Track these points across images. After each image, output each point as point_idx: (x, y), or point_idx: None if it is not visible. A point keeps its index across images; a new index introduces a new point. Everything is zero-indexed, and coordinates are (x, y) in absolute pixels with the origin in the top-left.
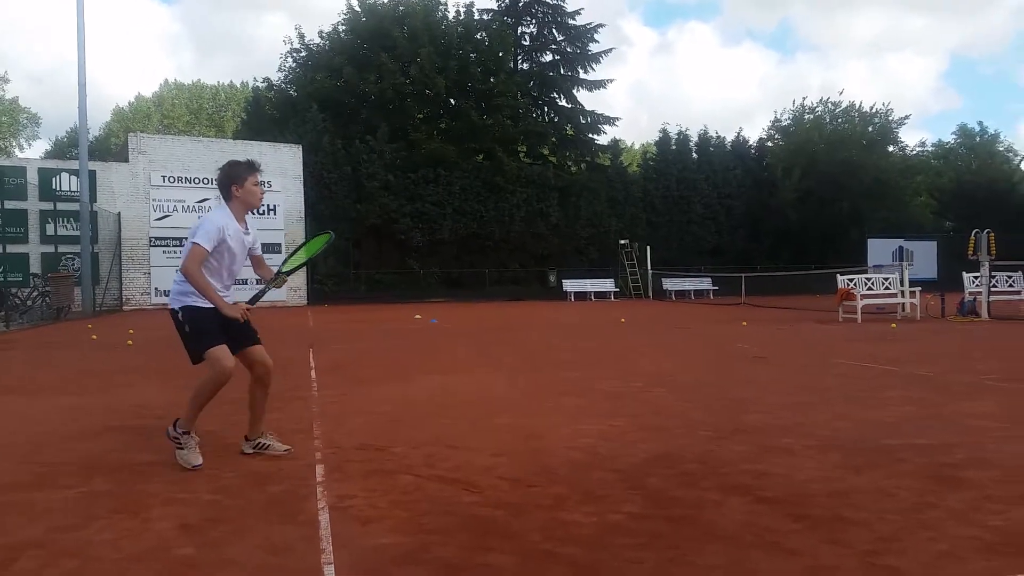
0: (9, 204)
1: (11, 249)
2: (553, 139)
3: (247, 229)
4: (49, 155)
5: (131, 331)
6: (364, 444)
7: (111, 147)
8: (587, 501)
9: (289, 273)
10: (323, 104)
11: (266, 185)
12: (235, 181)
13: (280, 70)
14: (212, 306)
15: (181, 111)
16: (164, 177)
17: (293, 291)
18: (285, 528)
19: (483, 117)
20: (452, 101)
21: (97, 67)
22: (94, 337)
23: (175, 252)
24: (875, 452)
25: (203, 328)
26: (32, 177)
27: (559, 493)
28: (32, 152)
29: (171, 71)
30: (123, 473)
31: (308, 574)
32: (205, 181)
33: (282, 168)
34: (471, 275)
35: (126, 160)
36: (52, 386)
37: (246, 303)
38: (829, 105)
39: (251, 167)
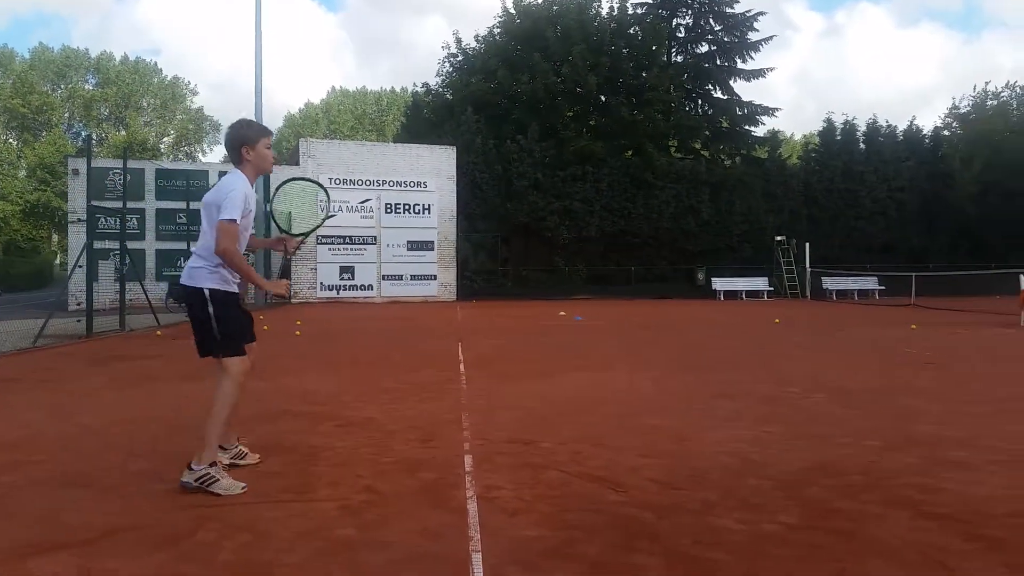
0: (194, 205)
1: (193, 247)
2: (707, 132)
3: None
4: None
5: (299, 322)
6: (512, 438)
7: (283, 151)
8: (739, 508)
9: (306, 236)
10: (477, 106)
11: (423, 185)
12: (247, 142)
13: (438, 75)
14: (236, 292)
15: (346, 116)
16: (331, 179)
17: (444, 287)
18: (436, 514)
19: (633, 113)
20: (603, 98)
21: (270, 75)
22: (266, 328)
23: (339, 249)
24: None
25: (234, 328)
26: (213, 180)
27: (709, 498)
28: (213, 157)
29: (337, 78)
30: (293, 455)
31: (457, 560)
32: (368, 183)
33: (437, 169)
34: (617, 272)
35: (297, 163)
36: None
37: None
38: (1017, 90)
39: (265, 130)
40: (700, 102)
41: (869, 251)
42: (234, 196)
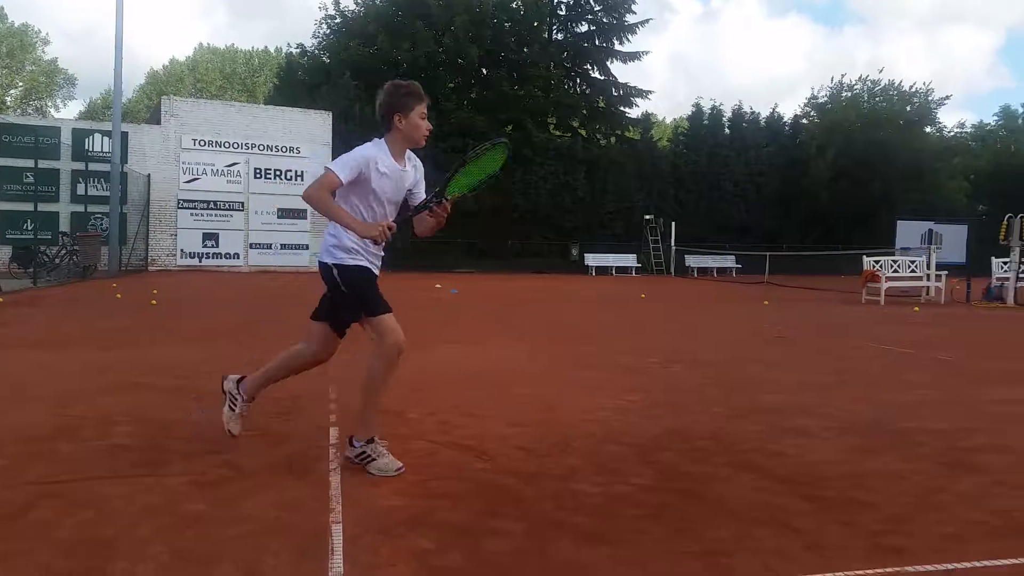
0: (43, 163)
1: (42, 208)
2: (584, 111)
3: (407, 167)
4: (83, 116)
5: (155, 291)
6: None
7: (145, 110)
8: (599, 472)
9: (454, 195)
10: (356, 72)
11: (295, 151)
12: (399, 109)
13: (314, 36)
14: (363, 264)
15: (214, 75)
16: (195, 140)
17: (316, 257)
18: (296, 487)
19: (515, 88)
20: (484, 71)
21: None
22: (118, 296)
23: (202, 215)
24: (892, 435)
25: (369, 293)
26: (66, 137)
27: (572, 464)
28: (67, 112)
29: (205, 35)
30: (146, 428)
31: (315, 532)
32: (235, 145)
33: (312, 134)
34: (495, 247)
35: (158, 123)
36: (79, 341)
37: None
38: (868, 83)
39: (421, 96)
40: (579, 81)
41: (728, 231)
42: (350, 155)
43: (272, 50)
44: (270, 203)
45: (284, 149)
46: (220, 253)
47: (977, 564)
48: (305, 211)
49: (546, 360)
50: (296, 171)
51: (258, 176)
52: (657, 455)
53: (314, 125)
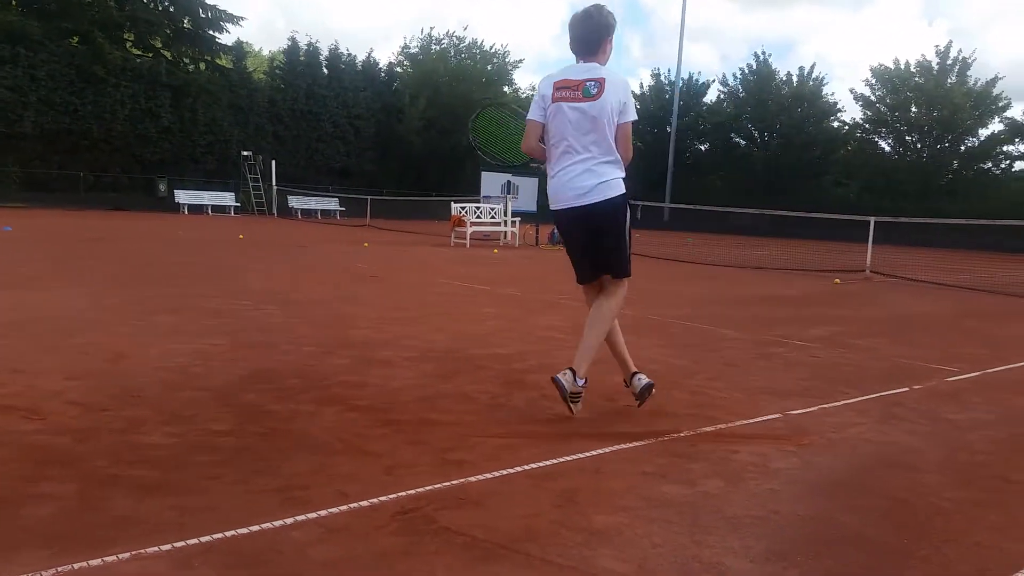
0: None
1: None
2: (168, 31)
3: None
4: None
5: None
6: None
7: None
8: (170, 422)
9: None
10: None
11: None
12: (610, 33)
13: None
14: None
15: None
16: None
17: None
18: None
19: None
20: None
21: None
22: None
23: None
24: (463, 361)
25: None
26: None
27: (138, 416)
28: None
29: None
30: None
31: None
32: None
33: None
34: (61, 178)
35: None
36: None
37: None
38: (455, 39)
39: None
40: None
41: (330, 173)
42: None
43: None
44: None
45: None
46: None
47: (526, 467)
48: None
49: (116, 305)
50: None
51: None
52: (240, 397)
53: None
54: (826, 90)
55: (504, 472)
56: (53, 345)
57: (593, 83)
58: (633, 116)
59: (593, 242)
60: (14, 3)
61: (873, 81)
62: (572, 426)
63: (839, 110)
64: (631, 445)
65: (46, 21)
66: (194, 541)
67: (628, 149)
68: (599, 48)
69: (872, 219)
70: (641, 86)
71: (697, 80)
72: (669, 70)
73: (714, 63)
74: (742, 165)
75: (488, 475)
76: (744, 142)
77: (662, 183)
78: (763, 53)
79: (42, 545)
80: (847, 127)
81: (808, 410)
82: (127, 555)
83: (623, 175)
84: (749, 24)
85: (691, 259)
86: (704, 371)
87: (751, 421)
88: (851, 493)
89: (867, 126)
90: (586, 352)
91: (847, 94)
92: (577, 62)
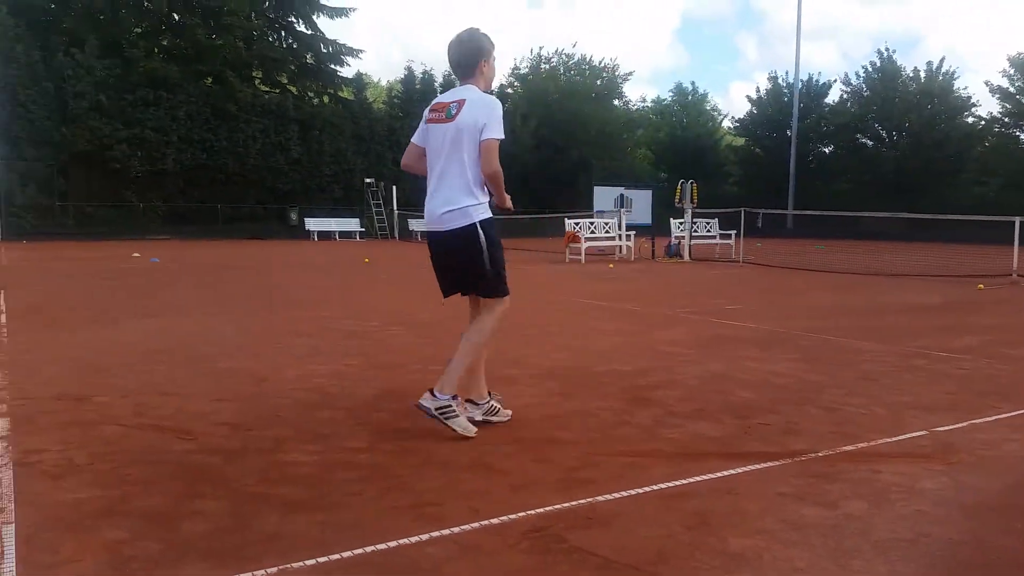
0: None
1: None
2: (292, 67)
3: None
4: None
5: None
6: (61, 394)
7: None
8: (311, 440)
9: None
10: (15, 8)
11: None
12: (485, 56)
13: None
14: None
15: None
16: None
17: None
18: None
19: (211, 37)
20: (175, 16)
21: None
22: None
23: None
24: (585, 378)
25: (503, 263)
26: None
27: (281, 435)
28: None
29: None
30: None
31: None
32: None
33: None
34: (201, 211)
35: None
36: None
37: None
38: (563, 56)
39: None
40: (284, 34)
41: None
42: (500, 114)
43: None
44: None
45: None
46: None
47: (655, 488)
48: None
49: (257, 330)
50: None
51: None
52: (371, 416)
53: None
54: (958, 84)
55: (632, 492)
56: (200, 368)
57: (455, 104)
58: (496, 134)
59: (452, 265)
60: (156, 51)
61: (1012, 71)
62: (701, 445)
63: (973, 104)
64: (765, 465)
65: (184, 65)
66: (336, 556)
67: (490, 163)
68: (474, 71)
69: (1017, 219)
70: (757, 90)
71: (817, 81)
72: (787, 72)
73: (835, 62)
74: (870, 167)
75: (616, 495)
76: (871, 143)
77: (784, 189)
78: (887, 49)
79: (200, 559)
80: (983, 122)
81: (957, 426)
82: (275, 570)
83: (480, 200)
84: (870, 19)
85: (819, 267)
86: (840, 386)
87: (894, 439)
88: (1006, 515)
89: (1006, 120)
90: (453, 370)
91: (982, 87)
92: (457, 86)
